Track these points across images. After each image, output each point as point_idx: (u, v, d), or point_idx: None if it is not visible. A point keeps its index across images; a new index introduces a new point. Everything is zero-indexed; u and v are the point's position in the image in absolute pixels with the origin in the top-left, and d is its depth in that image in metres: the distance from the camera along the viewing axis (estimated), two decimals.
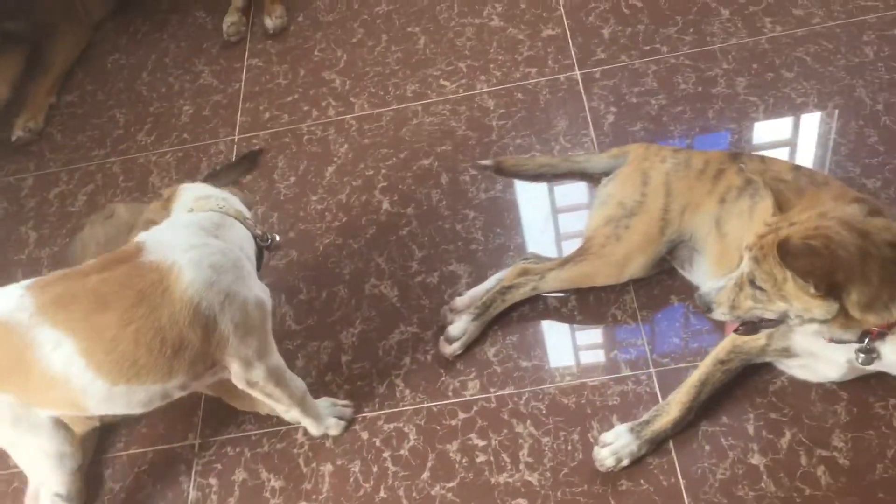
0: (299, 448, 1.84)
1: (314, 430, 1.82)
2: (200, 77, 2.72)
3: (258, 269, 1.69)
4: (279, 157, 2.42)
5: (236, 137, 2.51)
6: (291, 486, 1.78)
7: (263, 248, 1.72)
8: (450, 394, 1.85)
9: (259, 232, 1.70)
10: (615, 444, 1.66)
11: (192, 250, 1.51)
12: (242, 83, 2.67)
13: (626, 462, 1.66)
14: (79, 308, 1.45)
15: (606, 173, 2.03)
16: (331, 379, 1.93)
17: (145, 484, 1.84)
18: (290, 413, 1.78)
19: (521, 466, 1.72)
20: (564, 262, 1.88)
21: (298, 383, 1.72)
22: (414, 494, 1.72)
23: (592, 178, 2.12)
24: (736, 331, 1.60)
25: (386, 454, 1.79)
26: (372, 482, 1.76)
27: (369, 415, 1.86)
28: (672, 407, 1.67)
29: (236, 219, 1.66)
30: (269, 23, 2.75)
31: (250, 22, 2.85)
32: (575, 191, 2.15)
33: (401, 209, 2.21)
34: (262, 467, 1.82)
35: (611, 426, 1.72)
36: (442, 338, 1.90)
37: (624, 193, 1.88)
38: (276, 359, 1.66)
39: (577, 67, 2.41)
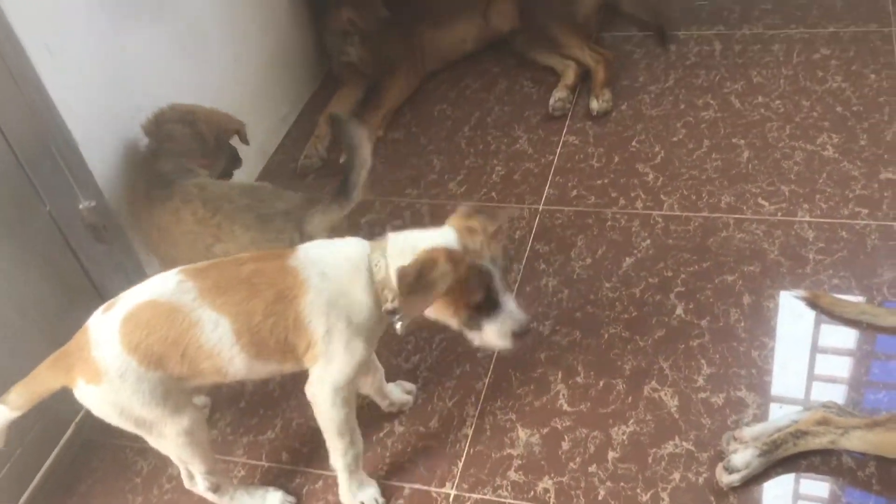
0: None
1: (344, 495, 1.91)
2: (517, 142, 2.84)
3: (373, 330, 1.76)
4: (579, 237, 2.46)
5: (541, 207, 2.58)
6: None
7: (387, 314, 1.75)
8: None
9: (390, 306, 1.70)
10: None
11: (323, 277, 1.67)
12: (556, 157, 2.75)
13: None
14: (235, 295, 1.66)
15: None
16: (594, 471, 1.90)
17: None
18: (335, 461, 1.87)
19: None
20: (874, 423, 1.74)
21: (357, 441, 1.83)
22: None
23: None
24: None
25: None
26: None
27: None
28: None
29: (374, 287, 1.70)
30: (595, 105, 2.83)
31: (575, 100, 2.94)
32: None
33: (695, 319, 2.16)
34: None
35: None
36: (721, 465, 1.81)
37: None
38: (342, 409, 1.76)
39: None
